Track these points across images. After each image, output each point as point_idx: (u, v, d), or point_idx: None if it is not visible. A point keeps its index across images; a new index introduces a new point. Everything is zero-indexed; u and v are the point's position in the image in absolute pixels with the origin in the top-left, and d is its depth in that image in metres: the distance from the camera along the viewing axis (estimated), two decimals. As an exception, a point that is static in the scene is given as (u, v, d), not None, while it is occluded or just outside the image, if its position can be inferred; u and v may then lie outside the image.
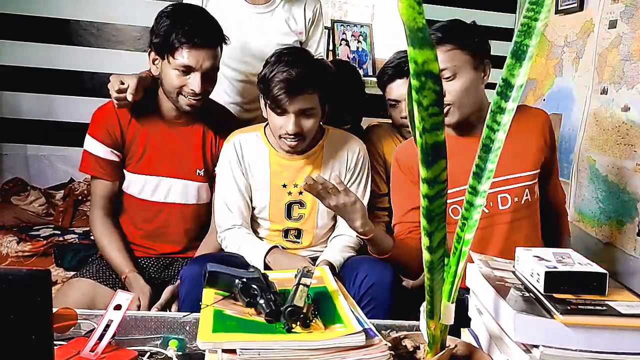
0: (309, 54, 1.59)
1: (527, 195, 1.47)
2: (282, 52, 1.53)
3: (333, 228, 1.68)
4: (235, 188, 1.61)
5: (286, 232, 1.64)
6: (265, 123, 1.66)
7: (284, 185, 1.61)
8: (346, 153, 1.65)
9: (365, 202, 1.65)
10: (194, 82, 1.53)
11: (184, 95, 1.57)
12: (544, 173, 1.53)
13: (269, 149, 1.62)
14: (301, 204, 1.62)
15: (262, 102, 1.57)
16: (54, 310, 0.90)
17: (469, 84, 1.41)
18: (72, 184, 2.61)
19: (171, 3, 1.61)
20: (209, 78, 1.58)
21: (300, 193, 1.61)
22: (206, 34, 1.55)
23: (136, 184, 1.66)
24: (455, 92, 1.40)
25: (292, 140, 1.52)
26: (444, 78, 1.39)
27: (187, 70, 1.53)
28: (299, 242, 1.64)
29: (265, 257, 1.51)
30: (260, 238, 1.64)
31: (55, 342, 0.82)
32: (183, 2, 1.69)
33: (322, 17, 2.06)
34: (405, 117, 1.86)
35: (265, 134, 1.64)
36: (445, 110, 1.42)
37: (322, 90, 1.52)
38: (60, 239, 2.19)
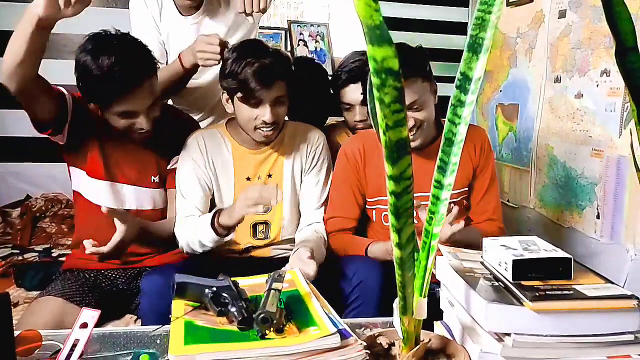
0: (265, 45, 1.59)
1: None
2: (238, 47, 1.55)
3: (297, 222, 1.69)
4: (195, 180, 1.59)
5: (254, 228, 1.63)
6: (224, 120, 1.67)
7: (248, 178, 1.62)
8: (307, 143, 1.68)
9: (327, 191, 1.68)
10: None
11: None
12: (474, 190, 1.67)
13: (231, 143, 1.63)
14: None
15: (225, 97, 1.57)
16: (17, 333, 0.86)
17: (433, 112, 1.56)
18: (28, 201, 2.53)
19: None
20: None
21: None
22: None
23: (94, 190, 1.62)
24: (421, 120, 1.52)
25: (269, 130, 1.54)
26: (412, 109, 1.50)
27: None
28: (268, 238, 1.64)
29: (213, 221, 1.45)
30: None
31: (19, 367, 0.79)
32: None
33: None
34: (360, 121, 1.86)
35: (227, 129, 1.64)
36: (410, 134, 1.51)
37: (288, 78, 1.56)
38: (20, 258, 2.12)
